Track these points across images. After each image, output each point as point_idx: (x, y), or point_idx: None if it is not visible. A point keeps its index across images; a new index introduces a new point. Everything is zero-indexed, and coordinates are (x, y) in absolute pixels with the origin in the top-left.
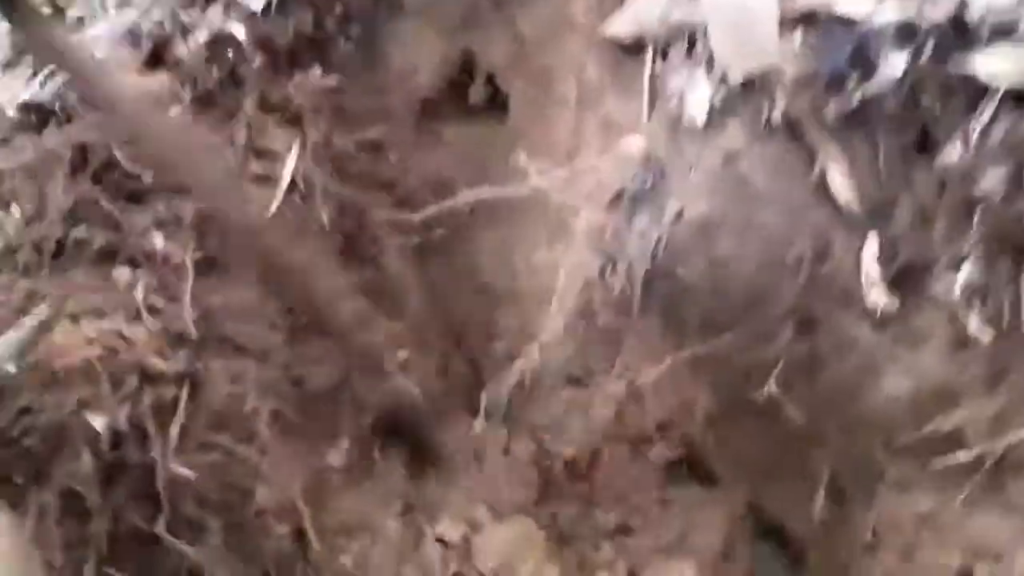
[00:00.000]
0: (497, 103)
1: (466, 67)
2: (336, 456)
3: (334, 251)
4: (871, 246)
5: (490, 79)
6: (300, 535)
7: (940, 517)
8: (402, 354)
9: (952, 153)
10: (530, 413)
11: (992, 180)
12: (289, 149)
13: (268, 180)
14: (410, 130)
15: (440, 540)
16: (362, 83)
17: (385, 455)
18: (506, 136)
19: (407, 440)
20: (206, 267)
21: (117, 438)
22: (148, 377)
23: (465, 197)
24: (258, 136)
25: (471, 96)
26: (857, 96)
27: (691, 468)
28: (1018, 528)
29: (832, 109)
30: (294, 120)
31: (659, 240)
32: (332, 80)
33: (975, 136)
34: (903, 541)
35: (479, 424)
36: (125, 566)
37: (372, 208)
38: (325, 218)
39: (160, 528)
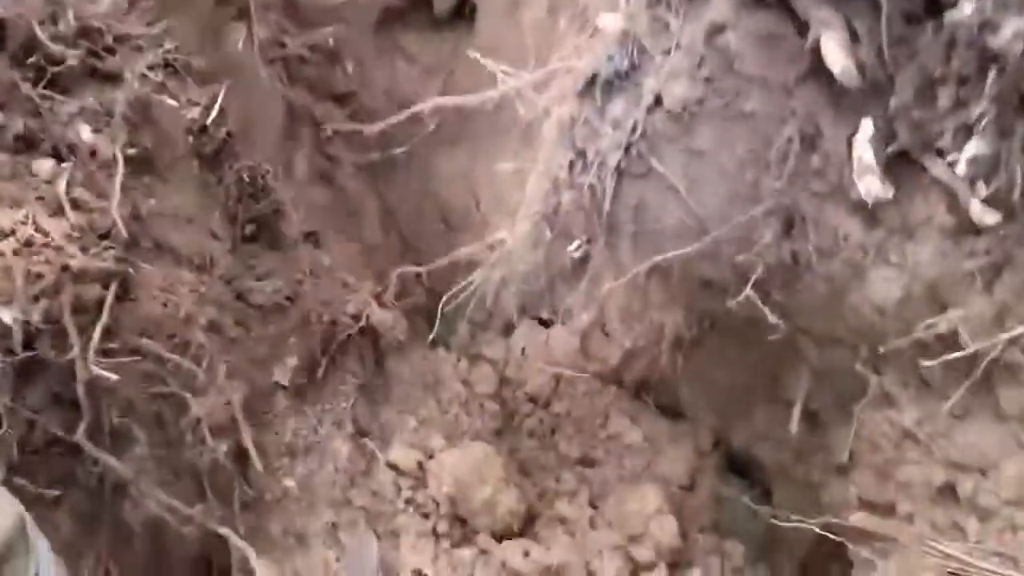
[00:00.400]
0: (464, 13)
1: None
2: (282, 373)
3: (283, 162)
4: (865, 128)
5: None
6: (240, 454)
7: (924, 430)
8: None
9: (965, 7)
10: (491, 342)
11: (1009, 33)
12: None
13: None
14: (369, 39)
15: (392, 466)
16: None
17: (338, 378)
18: (473, 48)
19: (362, 365)
20: (140, 165)
21: (31, 335)
22: (69, 274)
23: (429, 105)
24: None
25: (436, 5)
26: None
27: (658, 399)
28: (1007, 438)
29: None
30: (244, 13)
31: (634, 128)
32: None
33: None
34: (882, 459)
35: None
36: (38, 478)
37: (325, 119)
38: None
39: (80, 436)
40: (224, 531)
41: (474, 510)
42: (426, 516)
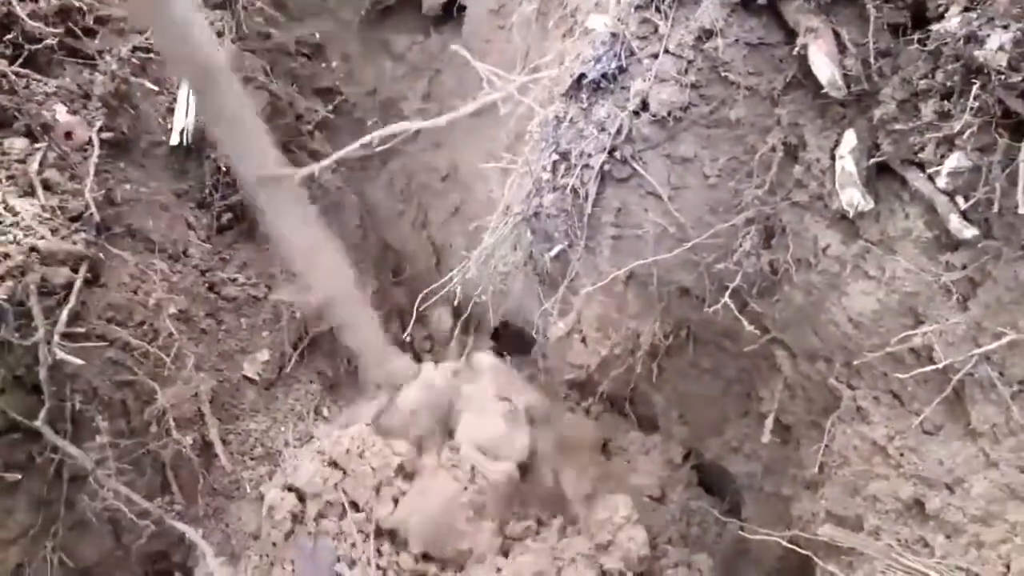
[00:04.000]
0: (452, 13)
1: None
2: (251, 367)
3: None
4: (849, 140)
5: None
6: (205, 447)
7: (894, 445)
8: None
9: (953, 18)
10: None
11: (996, 44)
12: (221, 33)
13: None
14: (356, 36)
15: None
16: None
17: (307, 376)
18: (461, 47)
19: (332, 362)
20: (116, 149)
21: None
22: (37, 255)
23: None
24: None
25: (425, 4)
26: None
27: (633, 409)
28: (976, 455)
29: None
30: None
31: (619, 131)
32: None
33: None
34: (852, 473)
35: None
36: None
37: (307, 114)
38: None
39: (41, 422)
40: (182, 527)
41: (447, 558)
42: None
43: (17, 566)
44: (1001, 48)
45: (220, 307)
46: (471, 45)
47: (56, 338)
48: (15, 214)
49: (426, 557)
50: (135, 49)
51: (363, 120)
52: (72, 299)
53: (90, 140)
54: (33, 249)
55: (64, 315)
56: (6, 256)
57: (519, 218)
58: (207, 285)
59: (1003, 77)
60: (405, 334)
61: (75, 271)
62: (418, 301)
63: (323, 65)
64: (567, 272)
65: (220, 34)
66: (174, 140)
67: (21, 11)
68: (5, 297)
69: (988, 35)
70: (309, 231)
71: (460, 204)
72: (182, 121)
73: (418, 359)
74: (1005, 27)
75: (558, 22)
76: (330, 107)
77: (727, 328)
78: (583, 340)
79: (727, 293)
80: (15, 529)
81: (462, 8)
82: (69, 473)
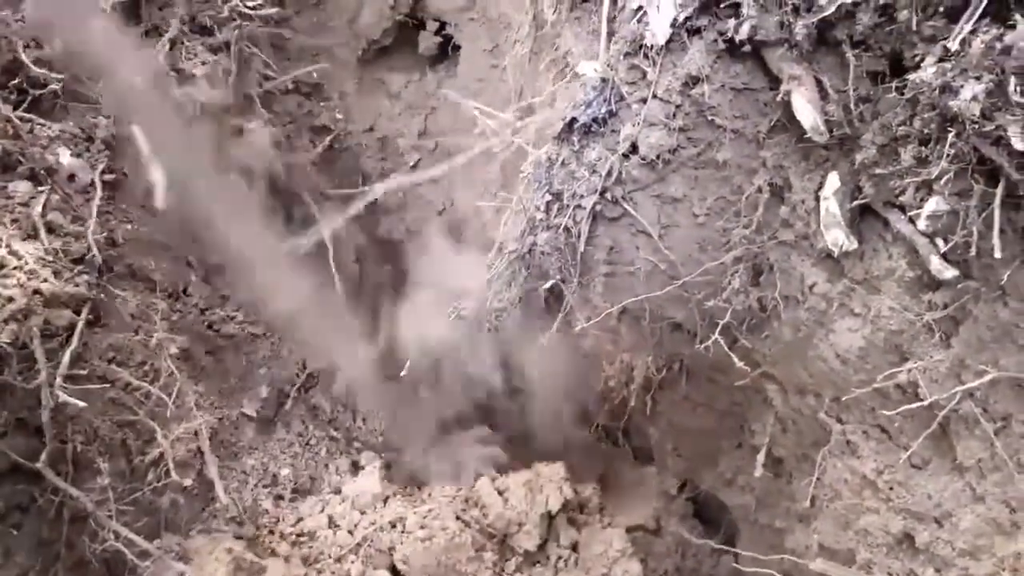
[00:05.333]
0: (447, 52)
1: (416, 12)
2: (251, 405)
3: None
4: (832, 182)
5: (441, 26)
6: (206, 487)
7: (883, 479)
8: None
9: (928, 68)
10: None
11: (970, 95)
12: (213, 75)
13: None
14: (353, 75)
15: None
16: (305, 18)
17: (306, 413)
18: (456, 87)
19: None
20: (117, 191)
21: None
22: (41, 298)
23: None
24: (183, 57)
25: (421, 44)
26: (830, 10)
27: (628, 441)
28: (963, 489)
29: (801, 28)
30: (224, 46)
31: (610, 173)
32: (271, 8)
33: (955, 47)
34: (843, 507)
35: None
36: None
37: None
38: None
39: (42, 463)
40: (182, 568)
41: None
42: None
43: None
44: (974, 98)
45: (220, 345)
46: (465, 84)
47: (59, 380)
48: (19, 257)
49: None
50: None
51: (359, 156)
52: (74, 341)
53: (92, 183)
54: (36, 292)
55: (67, 358)
56: (10, 300)
57: (514, 255)
58: (207, 324)
59: (977, 126)
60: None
61: (77, 313)
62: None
63: (321, 104)
64: (562, 308)
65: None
66: (160, 204)
67: (26, 57)
68: (8, 341)
69: (962, 86)
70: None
71: (457, 238)
72: (161, 180)
73: None
74: (978, 78)
75: (549, 65)
76: (327, 142)
77: (719, 362)
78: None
79: (718, 329)
80: (15, 570)
81: (457, 48)
82: (70, 513)
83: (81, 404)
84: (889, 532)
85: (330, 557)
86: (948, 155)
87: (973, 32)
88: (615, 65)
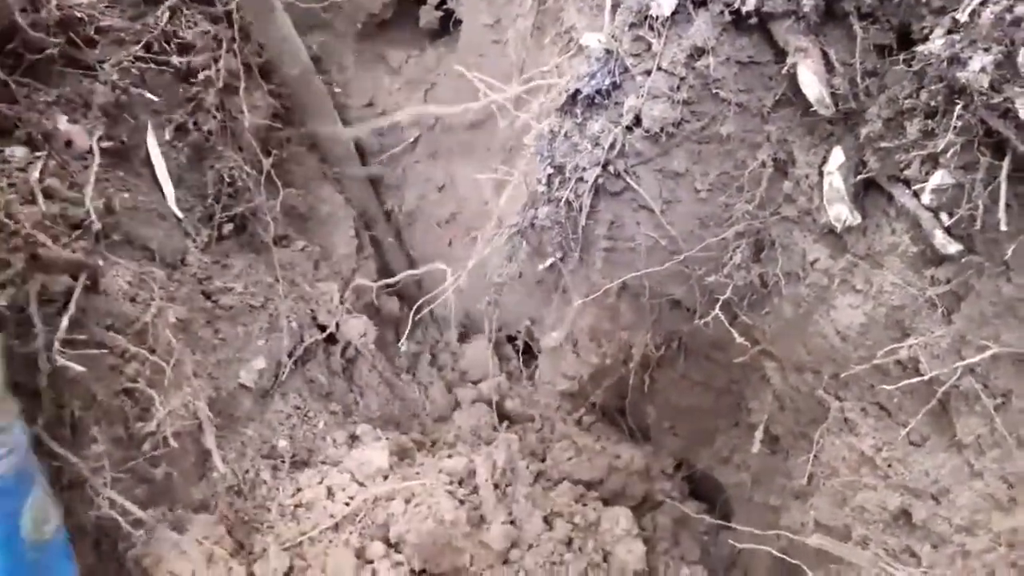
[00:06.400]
0: (448, 28)
1: None
2: (248, 376)
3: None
4: (836, 156)
5: (442, 1)
6: (203, 456)
7: (881, 456)
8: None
9: (935, 41)
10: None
11: (978, 66)
12: (211, 46)
13: (183, 75)
14: (353, 49)
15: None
16: None
17: (302, 385)
18: (457, 61)
19: (328, 373)
20: (115, 158)
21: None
22: (38, 263)
23: (407, 114)
24: (183, 26)
25: (421, 18)
26: None
27: (624, 420)
28: (961, 466)
29: (808, 0)
30: (224, 16)
31: (612, 146)
32: None
33: (964, 18)
34: (840, 484)
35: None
36: None
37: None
38: (247, 124)
39: (39, 428)
40: (177, 538)
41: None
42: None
43: None
44: (983, 70)
45: (217, 315)
46: (466, 59)
47: (57, 344)
48: (16, 222)
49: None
50: (135, 59)
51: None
52: (72, 306)
53: (90, 149)
54: (34, 257)
55: (65, 322)
56: (7, 264)
57: (514, 230)
58: (204, 294)
59: (985, 98)
60: (400, 343)
61: (75, 279)
62: (413, 311)
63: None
64: (560, 283)
65: (219, 42)
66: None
67: (23, 21)
68: (5, 304)
69: (970, 57)
70: None
71: (456, 214)
72: (168, 182)
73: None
74: (987, 50)
75: (554, 39)
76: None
77: (717, 340)
78: (576, 351)
79: (718, 305)
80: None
81: (458, 22)
82: (67, 479)
83: (80, 368)
84: (886, 508)
85: (327, 528)
86: (955, 128)
87: (983, 3)
88: (619, 36)
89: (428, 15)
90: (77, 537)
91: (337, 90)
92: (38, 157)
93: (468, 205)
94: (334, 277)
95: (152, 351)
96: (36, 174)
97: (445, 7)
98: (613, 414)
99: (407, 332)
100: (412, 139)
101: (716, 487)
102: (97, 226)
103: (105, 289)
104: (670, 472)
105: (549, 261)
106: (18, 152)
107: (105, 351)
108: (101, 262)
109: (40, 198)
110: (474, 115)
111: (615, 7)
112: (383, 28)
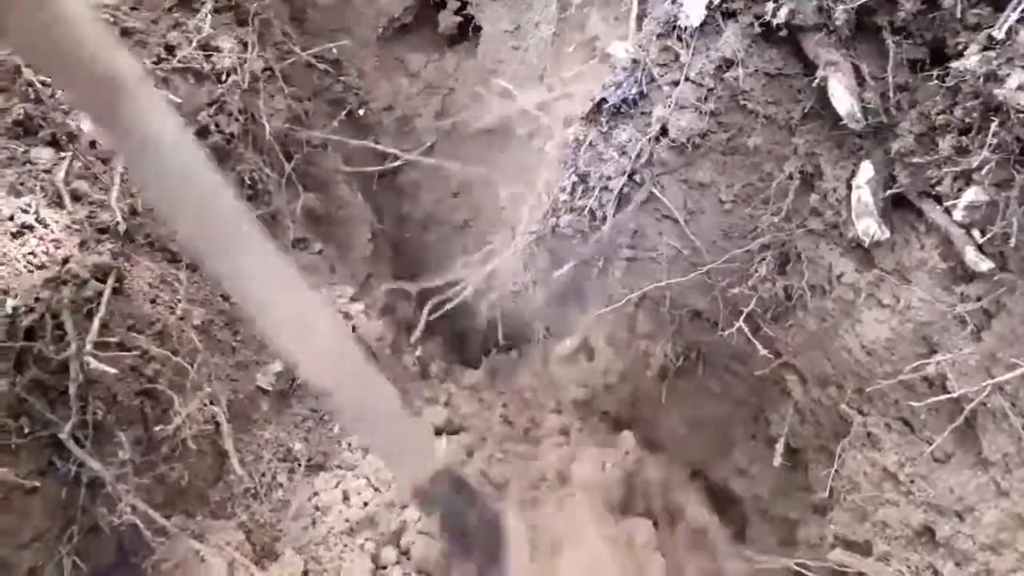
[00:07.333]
0: (468, 33)
1: None
2: (265, 379)
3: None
4: (865, 170)
5: (462, 6)
6: (221, 458)
7: (905, 472)
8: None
9: (971, 58)
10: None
11: (1016, 84)
12: (235, 49)
13: (206, 77)
14: (372, 53)
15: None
16: None
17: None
18: (477, 67)
19: None
20: None
21: (29, 326)
22: (70, 267)
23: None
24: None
25: (441, 23)
26: None
27: (637, 430)
28: (987, 484)
29: (840, 13)
30: (249, 20)
31: (639, 156)
32: None
33: (1000, 35)
34: (861, 499)
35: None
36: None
37: (321, 127)
38: (268, 128)
39: (66, 433)
40: (198, 546)
41: None
42: None
43: (30, 570)
44: (1020, 87)
45: (236, 318)
46: (485, 65)
47: (88, 347)
48: (45, 226)
49: None
50: (159, 60)
51: (378, 136)
52: (102, 309)
53: (114, 150)
54: (65, 261)
55: (96, 325)
56: (41, 267)
57: (533, 237)
58: (223, 296)
59: (1022, 115)
60: (413, 340)
61: (103, 282)
62: (425, 313)
63: (340, 80)
64: (579, 292)
65: (244, 45)
66: None
67: None
68: (42, 311)
69: (1008, 75)
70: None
71: (471, 220)
72: None
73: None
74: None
75: (577, 48)
76: (343, 115)
77: (738, 351)
78: (591, 360)
79: (742, 317)
80: (31, 532)
81: (478, 28)
82: (87, 479)
83: (112, 371)
84: (909, 525)
85: (342, 532)
86: (990, 145)
87: (1020, 20)
88: (647, 46)
89: (447, 20)
90: (96, 538)
91: (358, 94)
92: (63, 158)
93: (484, 211)
94: (351, 280)
95: (175, 352)
96: (62, 175)
97: (465, 12)
98: (627, 424)
99: (419, 332)
100: (429, 144)
101: (729, 499)
102: (124, 228)
103: (129, 292)
104: (687, 484)
105: (565, 267)
106: (44, 154)
107: (130, 353)
108: (127, 264)
109: (68, 200)
110: (491, 121)
111: (640, 17)
112: (403, 32)
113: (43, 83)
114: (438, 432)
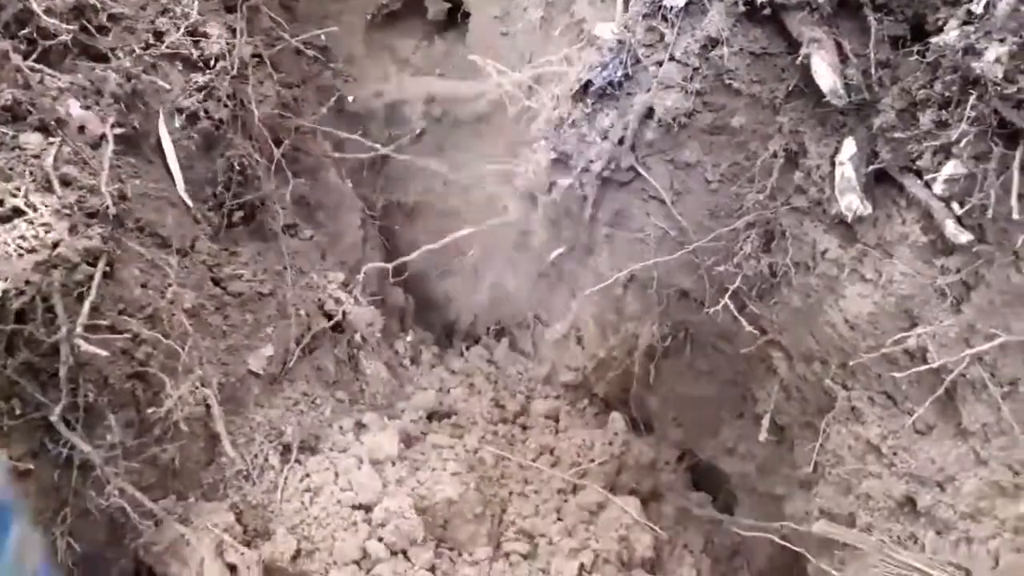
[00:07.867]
0: (456, 20)
1: None
2: (257, 363)
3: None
4: (848, 147)
5: None
6: (213, 440)
7: (887, 444)
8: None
9: (951, 31)
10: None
11: (993, 57)
12: (224, 35)
13: (194, 63)
14: (361, 40)
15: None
16: None
17: (310, 373)
18: (465, 53)
19: (335, 361)
20: (127, 145)
21: (22, 312)
22: (59, 251)
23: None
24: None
25: (430, 9)
26: None
27: (627, 411)
28: (966, 454)
29: None
30: (238, 7)
31: (623, 137)
32: None
33: (979, 10)
34: (845, 472)
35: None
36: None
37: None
38: (257, 114)
39: (56, 416)
40: (183, 530)
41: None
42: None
43: None
44: (998, 60)
45: (227, 302)
46: (474, 51)
47: (79, 330)
48: (35, 210)
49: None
50: (147, 47)
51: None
52: (92, 293)
53: (103, 135)
54: (55, 245)
55: (86, 308)
56: (32, 251)
57: (520, 218)
58: (214, 280)
59: (999, 88)
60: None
61: (93, 266)
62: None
63: (329, 66)
64: (567, 274)
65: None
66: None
67: (37, 7)
68: (33, 293)
69: (985, 48)
70: None
71: (460, 206)
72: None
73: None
74: (1002, 40)
75: (563, 31)
76: (331, 103)
77: (724, 330)
78: (580, 342)
79: (727, 295)
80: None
81: (467, 14)
82: (79, 461)
83: (104, 353)
84: (891, 496)
85: (336, 514)
86: (968, 118)
87: None
88: (632, 27)
89: (436, 6)
90: (88, 520)
91: (347, 81)
92: (52, 144)
93: (473, 198)
94: (341, 266)
95: (165, 336)
96: (50, 160)
97: None
98: (616, 405)
99: (410, 320)
100: (418, 131)
101: (717, 477)
102: (113, 212)
103: (119, 276)
104: (673, 463)
105: (555, 252)
106: (32, 139)
107: (120, 336)
108: (117, 249)
109: (57, 185)
110: (481, 107)
111: None
112: (392, 19)
113: (31, 69)
114: (430, 417)
